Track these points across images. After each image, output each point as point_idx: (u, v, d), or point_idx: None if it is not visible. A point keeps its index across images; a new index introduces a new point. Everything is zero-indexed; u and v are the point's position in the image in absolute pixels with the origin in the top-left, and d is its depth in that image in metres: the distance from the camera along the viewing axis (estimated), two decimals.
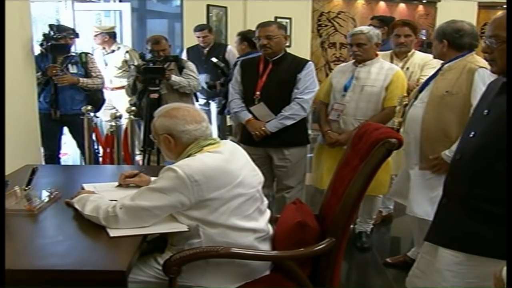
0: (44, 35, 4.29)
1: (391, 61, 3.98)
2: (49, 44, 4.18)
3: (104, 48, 5.71)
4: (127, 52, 5.64)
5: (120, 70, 5.56)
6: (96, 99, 4.60)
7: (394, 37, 4.12)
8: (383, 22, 5.20)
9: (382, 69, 3.60)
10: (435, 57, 3.20)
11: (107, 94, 5.64)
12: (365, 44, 3.56)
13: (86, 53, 4.59)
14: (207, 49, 5.94)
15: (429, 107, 3.01)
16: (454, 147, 2.77)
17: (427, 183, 3.01)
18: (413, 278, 2.25)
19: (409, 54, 4.09)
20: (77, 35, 4.49)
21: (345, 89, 3.64)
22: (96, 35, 5.67)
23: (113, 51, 5.70)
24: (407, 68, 3.98)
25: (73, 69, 4.39)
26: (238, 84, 3.72)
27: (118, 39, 5.98)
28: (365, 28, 3.67)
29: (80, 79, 4.36)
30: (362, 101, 3.59)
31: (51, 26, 4.43)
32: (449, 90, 2.95)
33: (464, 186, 1.94)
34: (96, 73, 4.50)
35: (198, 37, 5.94)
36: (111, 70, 5.60)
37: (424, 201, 2.99)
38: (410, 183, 3.14)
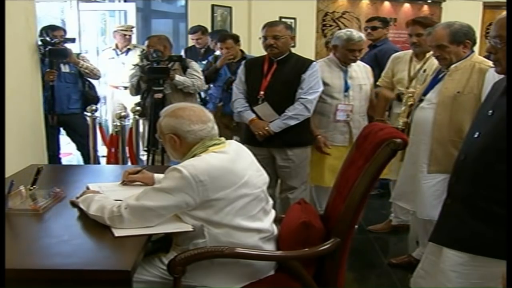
0: (42, 40, 4.28)
1: (410, 62, 3.86)
2: (48, 49, 4.16)
3: (116, 47, 5.74)
4: (143, 50, 5.66)
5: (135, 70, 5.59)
6: (91, 97, 4.63)
7: (408, 37, 3.96)
8: (384, 22, 5.17)
9: (359, 67, 3.90)
10: (451, 62, 3.00)
11: (121, 93, 5.69)
12: (362, 49, 3.85)
13: (78, 53, 4.63)
14: (203, 49, 6.10)
15: (441, 108, 3.00)
16: None
17: (439, 185, 2.98)
18: (418, 278, 2.24)
19: (429, 54, 3.71)
20: (73, 41, 4.49)
21: (346, 89, 3.74)
22: (122, 34, 5.70)
23: (128, 50, 5.73)
24: (424, 70, 3.74)
25: (65, 68, 4.44)
26: (242, 83, 3.72)
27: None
28: (361, 34, 3.86)
29: (81, 61, 4.51)
30: (363, 100, 3.85)
31: (45, 29, 4.43)
32: (461, 90, 2.94)
33: (469, 186, 1.94)
34: (92, 65, 4.58)
35: (192, 39, 6.20)
36: (128, 69, 5.64)
37: (437, 204, 2.94)
38: (420, 186, 3.12)
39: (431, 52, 3.65)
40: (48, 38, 4.24)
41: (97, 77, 4.73)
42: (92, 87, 4.75)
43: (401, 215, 4.08)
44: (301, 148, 3.69)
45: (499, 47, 1.86)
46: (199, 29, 6.18)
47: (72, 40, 4.47)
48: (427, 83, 3.22)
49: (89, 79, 4.73)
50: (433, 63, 3.66)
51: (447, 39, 2.96)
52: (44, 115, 4.20)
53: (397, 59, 4.01)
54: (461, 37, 2.96)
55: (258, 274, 2.13)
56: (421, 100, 3.13)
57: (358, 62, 3.97)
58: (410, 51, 3.96)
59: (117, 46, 5.78)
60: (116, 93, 5.80)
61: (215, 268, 2.05)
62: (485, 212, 1.86)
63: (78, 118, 4.57)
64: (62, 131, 4.69)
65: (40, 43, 4.21)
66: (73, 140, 4.68)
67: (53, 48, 4.15)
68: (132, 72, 4.64)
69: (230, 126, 4.92)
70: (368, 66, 4.03)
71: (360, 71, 3.89)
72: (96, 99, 4.76)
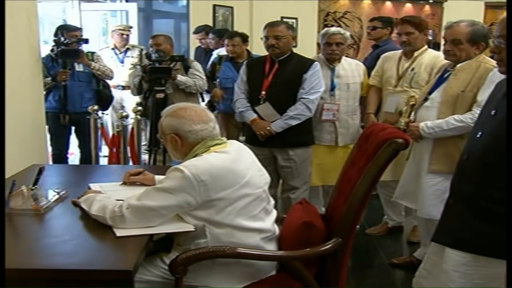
0: (55, 40, 4.32)
1: (399, 61, 3.79)
2: (60, 49, 4.19)
3: (115, 47, 5.75)
4: (141, 50, 5.68)
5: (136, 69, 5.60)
6: (105, 97, 4.64)
7: (397, 36, 3.94)
8: (385, 23, 5.16)
9: (351, 65, 3.90)
10: (458, 61, 3.02)
11: (119, 93, 5.70)
12: (342, 44, 3.81)
13: (93, 53, 4.64)
14: (207, 50, 6.16)
15: (444, 107, 3.01)
16: (434, 123, 3.00)
17: (440, 185, 2.98)
18: (420, 278, 2.24)
19: (417, 53, 3.70)
20: (86, 41, 4.50)
21: (332, 88, 3.77)
22: (120, 34, 5.72)
23: (127, 50, 5.75)
24: (412, 69, 3.67)
25: (79, 67, 4.44)
26: (244, 83, 3.72)
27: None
28: (341, 29, 3.96)
29: (92, 63, 4.46)
30: (350, 99, 3.86)
31: (60, 29, 4.46)
32: (464, 89, 2.95)
33: (471, 186, 1.93)
34: (104, 66, 4.56)
35: (196, 39, 6.32)
36: (127, 69, 5.65)
37: (438, 203, 2.94)
38: (422, 185, 3.13)
39: (420, 51, 3.71)
40: (62, 38, 4.27)
41: (109, 78, 4.69)
42: (107, 86, 4.75)
43: (394, 217, 4.07)
44: (303, 148, 3.69)
45: (503, 47, 1.85)
46: (203, 29, 6.24)
47: (85, 41, 4.48)
48: (433, 82, 3.22)
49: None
50: (421, 62, 3.68)
51: (466, 36, 2.96)
52: (56, 114, 4.26)
53: (386, 58, 3.95)
54: (479, 38, 2.97)
55: (259, 274, 2.12)
56: (425, 99, 3.13)
57: (349, 60, 3.99)
58: (399, 51, 3.89)
59: (115, 46, 5.79)
60: (115, 93, 5.80)
61: (217, 268, 2.04)
62: (488, 212, 1.85)
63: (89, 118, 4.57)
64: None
65: (53, 43, 4.28)
66: (79, 138, 4.67)
67: (65, 48, 4.18)
68: (132, 72, 4.64)
69: (240, 126, 4.92)
70: (361, 64, 4.04)
71: (351, 69, 3.87)
72: (110, 98, 4.77)
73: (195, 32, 6.34)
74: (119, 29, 5.77)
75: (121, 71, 5.62)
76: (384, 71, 3.89)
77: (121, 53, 5.76)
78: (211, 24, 7.41)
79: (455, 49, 2.99)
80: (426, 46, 3.77)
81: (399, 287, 3.29)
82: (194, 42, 6.78)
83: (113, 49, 5.79)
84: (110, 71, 4.67)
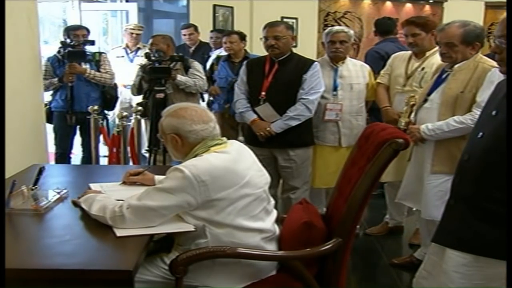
0: (61, 42, 4.33)
1: (408, 62, 3.74)
2: (66, 51, 4.20)
3: (127, 46, 5.75)
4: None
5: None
6: (109, 97, 4.64)
7: (404, 38, 3.86)
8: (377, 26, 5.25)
9: (355, 66, 3.87)
10: (455, 62, 3.00)
11: (128, 92, 5.70)
12: (346, 42, 3.78)
13: (101, 53, 4.65)
14: (193, 48, 6.16)
15: (444, 108, 3.00)
16: (434, 125, 3.00)
17: (442, 186, 2.98)
18: (420, 279, 2.24)
19: (429, 53, 3.64)
20: (93, 43, 4.50)
21: (335, 88, 3.75)
22: (131, 33, 5.75)
23: (138, 49, 5.76)
24: (422, 69, 3.63)
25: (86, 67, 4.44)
26: (244, 84, 3.71)
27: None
28: (345, 28, 3.95)
29: (88, 69, 4.41)
30: (354, 99, 3.82)
31: (66, 30, 4.46)
32: (463, 90, 2.95)
33: (472, 187, 1.93)
34: (105, 69, 4.55)
35: (184, 35, 6.21)
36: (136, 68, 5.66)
37: (440, 204, 2.92)
38: (424, 186, 3.13)
39: (431, 52, 3.65)
40: (68, 40, 4.27)
41: (107, 84, 4.65)
42: (113, 85, 4.73)
43: (397, 217, 4.06)
44: (303, 149, 3.69)
45: (504, 47, 1.85)
46: (192, 25, 6.21)
47: (92, 42, 4.48)
48: (431, 83, 3.21)
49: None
50: (432, 62, 3.61)
51: (459, 38, 2.95)
52: (63, 114, 4.27)
53: (395, 57, 3.92)
54: (473, 38, 2.95)
55: (260, 274, 2.12)
56: (425, 100, 3.12)
57: (354, 61, 3.98)
58: (409, 52, 3.83)
59: (127, 46, 5.80)
60: (124, 92, 5.79)
61: (217, 268, 2.05)
62: (488, 213, 1.85)
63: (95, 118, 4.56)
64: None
65: (59, 44, 4.30)
66: (83, 137, 4.66)
67: (71, 50, 4.19)
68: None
69: (235, 127, 4.93)
70: (366, 66, 4.01)
71: (355, 70, 3.85)
72: (114, 99, 4.75)
73: (184, 27, 6.27)
74: (130, 29, 5.80)
75: (130, 71, 5.62)
76: (393, 69, 3.86)
77: (132, 52, 5.77)
78: (211, 24, 7.41)
79: (450, 51, 2.98)
80: (437, 47, 3.70)
81: (399, 287, 3.29)
82: (183, 38, 6.76)
83: (124, 48, 5.81)
84: (109, 78, 4.57)
